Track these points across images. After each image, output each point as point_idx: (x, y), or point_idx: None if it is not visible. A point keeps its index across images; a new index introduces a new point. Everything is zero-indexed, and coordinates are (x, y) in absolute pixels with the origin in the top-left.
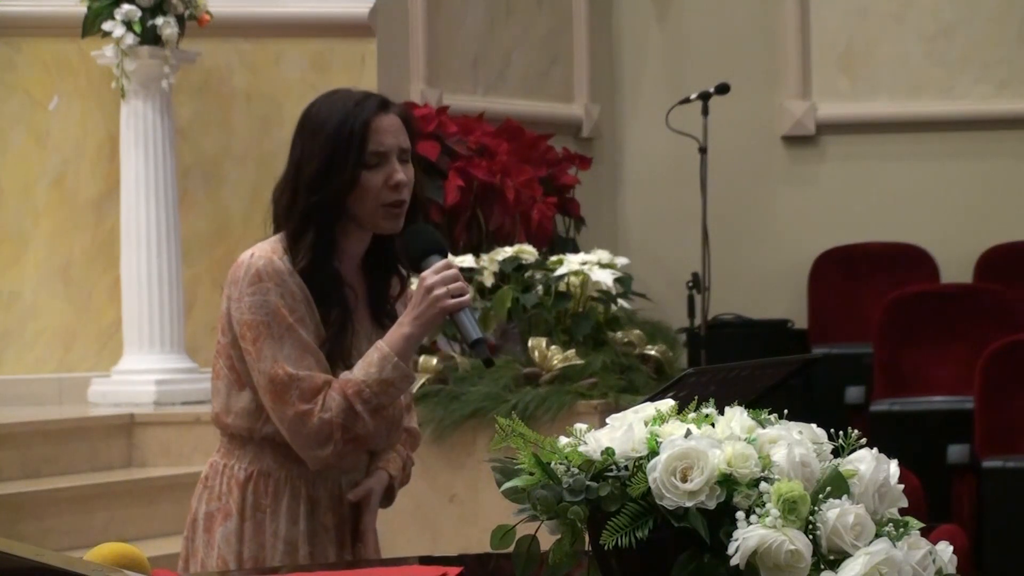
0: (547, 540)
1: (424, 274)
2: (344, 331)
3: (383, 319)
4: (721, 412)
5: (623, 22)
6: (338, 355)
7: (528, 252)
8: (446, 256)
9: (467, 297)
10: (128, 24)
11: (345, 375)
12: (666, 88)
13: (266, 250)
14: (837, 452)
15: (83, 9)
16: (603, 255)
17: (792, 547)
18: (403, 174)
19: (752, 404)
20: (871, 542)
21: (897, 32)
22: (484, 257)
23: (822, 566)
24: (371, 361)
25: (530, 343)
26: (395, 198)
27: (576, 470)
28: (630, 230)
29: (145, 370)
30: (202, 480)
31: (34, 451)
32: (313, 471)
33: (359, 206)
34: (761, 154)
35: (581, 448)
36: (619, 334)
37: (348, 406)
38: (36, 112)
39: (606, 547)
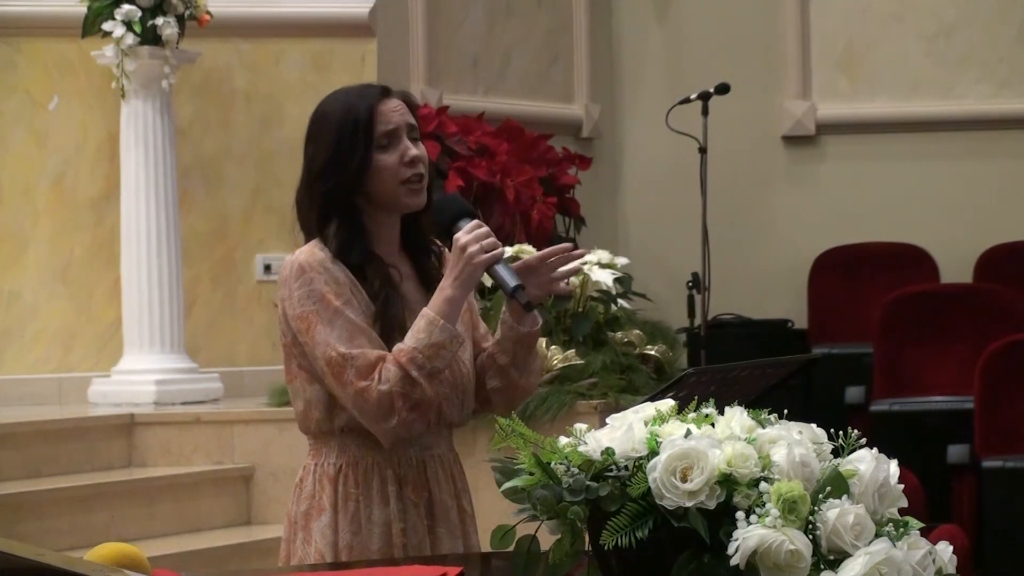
0: (547, 540)
1: (457, 236)
2: (390, 301)
3: (434, 289)
4: (721, 412)
5: (623, 22)
6: (393, 326)
7: (528, 252)
8: (475, 219)
9: (500, 251)
10: (128, 24)
11: (397, 347)
12: (666, 88)
13: (307, 248)
14: (837, 452)
15: (83, 9)
16: (603, 255)
17: (792, 547)
18: (416, 150)
19: (752, 404)
20: (871, 542)
21: (897, 32)
22: None
23: (822, 566)
24: (419, 328)
25: None
26: (412, 173)
27: (576, 470)
28: (630, 230)
29: (145, 370)
30: (296, 484)
31: (34, 451)
32: (395, 450)
33: (380, 188)
34: (761, 154)
35: (581, 448)
36: (619, 334)
37: (404, 374)
38: (36, 112)
39: (606, 547)
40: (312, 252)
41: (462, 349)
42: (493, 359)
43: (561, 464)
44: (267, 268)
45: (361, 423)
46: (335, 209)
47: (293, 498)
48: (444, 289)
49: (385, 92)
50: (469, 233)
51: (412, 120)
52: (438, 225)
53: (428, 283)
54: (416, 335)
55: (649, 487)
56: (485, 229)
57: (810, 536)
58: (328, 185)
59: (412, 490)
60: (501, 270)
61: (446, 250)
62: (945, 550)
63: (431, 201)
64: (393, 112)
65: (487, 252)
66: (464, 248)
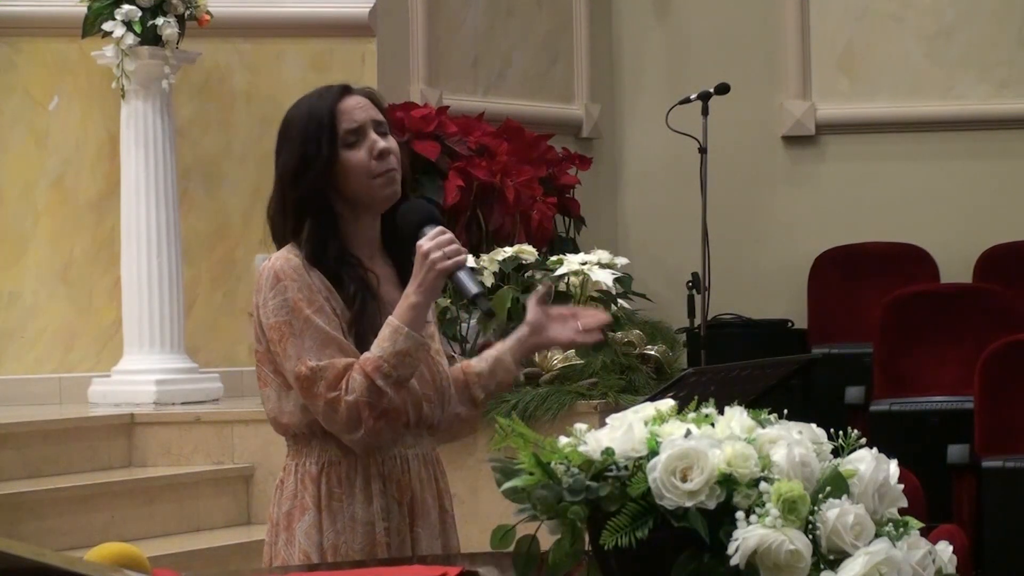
0: (547, 540)
1: (420, 243)
2: (366, 306)
3: None
4: (721, 412)
5: (623, 22)
6: (369, 331)
7: (528, 252)
8: (440, 224)
9: (463, 257)
10: (128, 24)
11: (364, 355)
12: (666, 88)
13: (281, 254)
14: (837, 452)
15: (83, 9)
16: (603, 255)
17: (792, 547)
18: (385, 142)
19: (752, 404)
20: (871, 542)
21: (897, 32)
22: (484, 257)
23: (822, 566)
24: (384, 336)
25: None
26: (383, 167)
27: (576, 470)
28: (630, 230)
29: (145, 370)
30: (277, 485)
31: (34, 451)
32: (378, 449)
33: (353, 185)
34: (761, 154)
35: (581, 448)
36: (619, 334)
37: (370, 383)
38: (36, 112)
39: (606, 547)
40: (287, 258)
41: (438, 352)
42: (468, 389)
43: (561, 464)
44: None
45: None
46: (308, 212)
47: (274, 499)
48: (408, 296)
49: (345, 90)
50: (432, 240)
51: (378, 116)
52: (403, 231)
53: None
54: (381, 344)
55: (649, 487)
56: (449, 236)
57: (810, 536)
58: (299, 190)
59: (396, 489)
60: (463, 277)
61: None
62: (945, 550)
63: (407, 194)
64: (356, 109)
65: (449, 259)
66: (427, 255)
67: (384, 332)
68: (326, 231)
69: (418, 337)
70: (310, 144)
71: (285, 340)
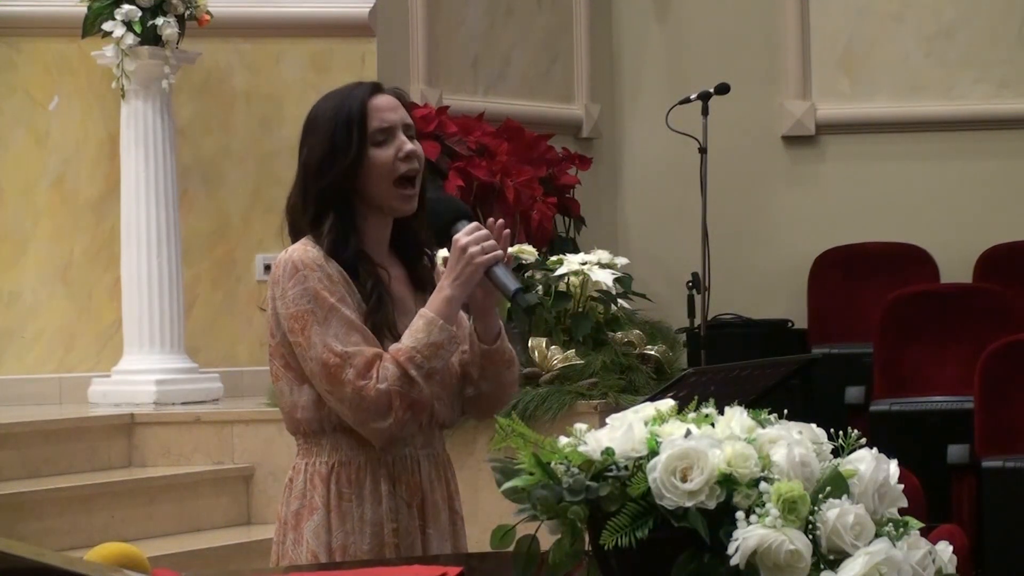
0: (547, 540)
1: (457, 236)
2: (382, 301)
3: (428, 292)
4: (721, 412)
5: (623, 22)
6: (383, 326)
7: (528, 252)
8: (473, 220)
9: (500, 253)
10: (128, 24)
11: (395, 346)
12: (666, 88)
13: (299, 246)
14: (837, 452)
15: (83, 9)
16: (603, 255)
17: (792, 547)
18: (412, 145)
19: (752, 404)
20: (871, 542)
21: (897, 32)
22: None
23: (822, 566)
24: (418, 327)
25: (530, 343)
26: (408, 168)
27: (576, 470)
28: (630, 230)
29: (145, 370)
30: (287, 484)
31: (34, 451)
32: (389, 449)
33: (373, 184)
34: (761, 154)
35: (581, 448)
36: (619, 334)
37: (403, 372)
38: (36, 112)
39: (606, 547)
40: (305, 250)
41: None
42: (467, 368)
43: (561, 464)
44: (267, 268)
45: (350, 423)
46: (331, 206)
47: (283, 498)
48: (443, 289)
49: (376, 88)
50: (469, 234)
51: (408, 119)
52: (434, 226)
53: (419, 285)
54: (415, 335)
55: (649, 487)
56: (485, 232)
57: (810, 536)
58: (324, 181)
59: (406, 490)
60: (501, 273)
61: (438, 257)
62: (945, 550)
63: (422, 206)
64: (387, 109)
65: (487, 253)
66: (464, 249)
67: (418, 323)
68: (348, 226)
69: (451, 330)
70: (340, 136)
71: (308, 328)
